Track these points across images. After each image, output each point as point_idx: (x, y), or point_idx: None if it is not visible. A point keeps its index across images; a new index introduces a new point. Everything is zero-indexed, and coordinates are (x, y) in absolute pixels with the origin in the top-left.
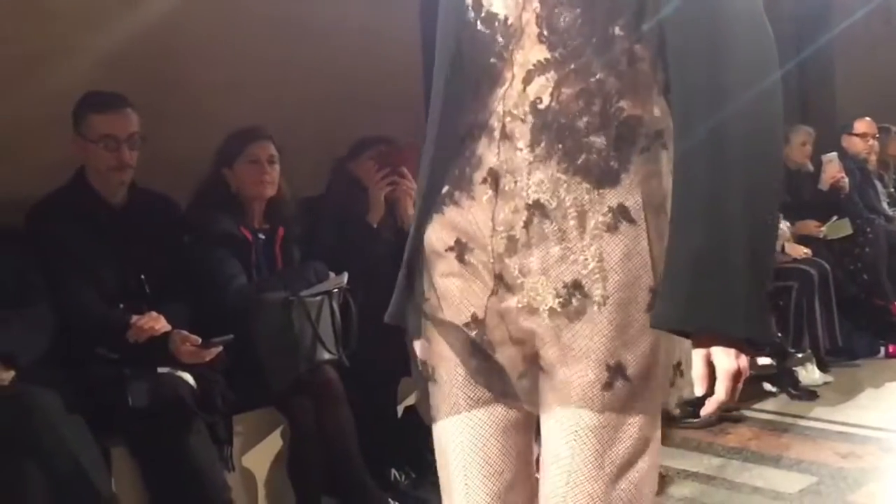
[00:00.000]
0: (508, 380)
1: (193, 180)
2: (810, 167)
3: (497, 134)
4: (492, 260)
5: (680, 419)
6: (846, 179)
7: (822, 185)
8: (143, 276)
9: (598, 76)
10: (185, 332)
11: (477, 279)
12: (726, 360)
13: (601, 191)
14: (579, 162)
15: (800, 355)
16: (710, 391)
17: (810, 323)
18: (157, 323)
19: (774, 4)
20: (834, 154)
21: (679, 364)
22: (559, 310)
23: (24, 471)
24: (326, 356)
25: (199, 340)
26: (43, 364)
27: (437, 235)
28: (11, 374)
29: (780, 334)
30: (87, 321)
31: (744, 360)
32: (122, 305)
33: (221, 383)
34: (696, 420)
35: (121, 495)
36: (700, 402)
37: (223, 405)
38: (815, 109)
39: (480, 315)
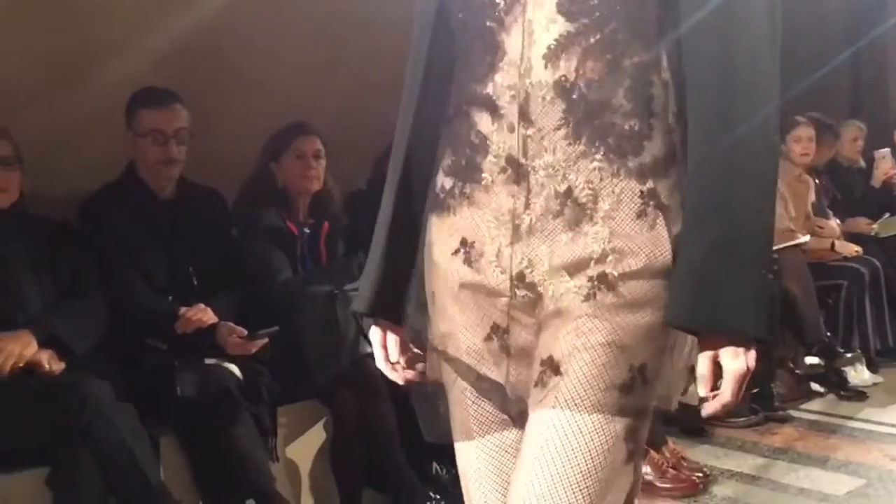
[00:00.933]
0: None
1: (241, 175)
2: (862, 163)
3: (509, 113)
4: (508, 257)
5: (724, 418)
6: None
7: (875, 181)
8: (190, 269)
9: (625, 48)
10: (232, 324)
11: (490, 284)
12: (734, 360)
13: (634, 173)
14: (611, 142)
15: (849, 355)
16: (712, 391)
17: (860, 322)
18: (205, 315)
19: None
20: (887, 150)
21: (693, 369)
22: (579, 302)
23: (76, 457)
24: (369, 350)
25: (246, 332)
26: (95, 354)
27: (438, 242)
28: (62, 366)
29: (829, 333)
30: (137, 313)
31: (751, 360)
32: (170, 297)
33: (267, 375)
34: (740, 419)
35: (168, 482)
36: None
37: (268, 396)
38: (867, 104)
39: (502, 323)
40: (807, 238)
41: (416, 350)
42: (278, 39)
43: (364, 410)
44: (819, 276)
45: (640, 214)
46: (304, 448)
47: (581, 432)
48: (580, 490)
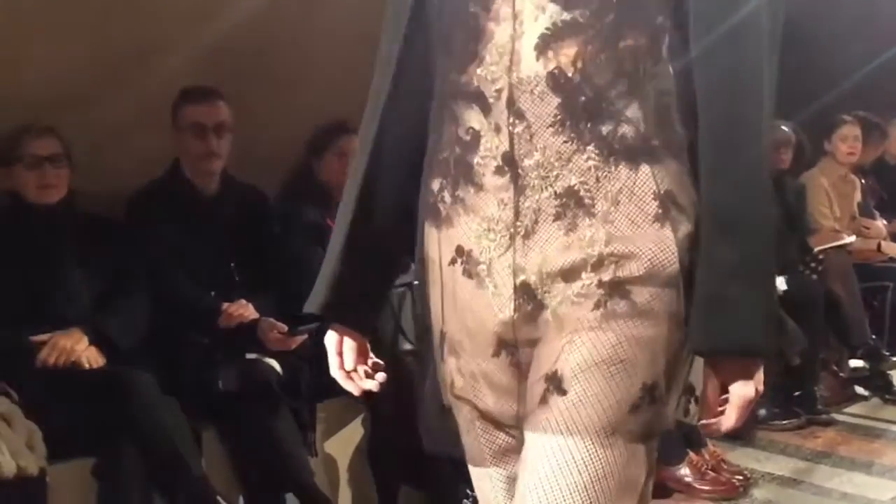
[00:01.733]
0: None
1: (283, 172)
2: None
3: (497, 108)
4: (505, 268)
5: (765, 420)
6: None
7: None
8: (232, 265)
9: (628, 39)
10: (273, 320)
11: (491, 296)
12: (744, 386)
13: (644, 174)
14: (614, 141)
15: (894, 358)
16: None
17: None
18: (246, 310)
19: None
20: None
21: (693, 389)
22: (587, 311)
23: (121, 449)
24: (407, 347)
25: (286, 328)
26: (140, 348)
27: (434, 252)
28: (101, 362)
29: (874, 336)
30: (180, 308)
31: (759, 384)
32: (213, 293)
33: (306, 370)
34: (782, 422)
35: (210, 475)
36: (784, 402)
37: (307, 392)
38: None
39: (508, 338)
40: (852, 238)
41: (376, 359)
42: (320, 38)
43: (401, 407)
44: (864, 278)
45: (654, 216)
46: (343, 443)
47: (583, 459)
48: None
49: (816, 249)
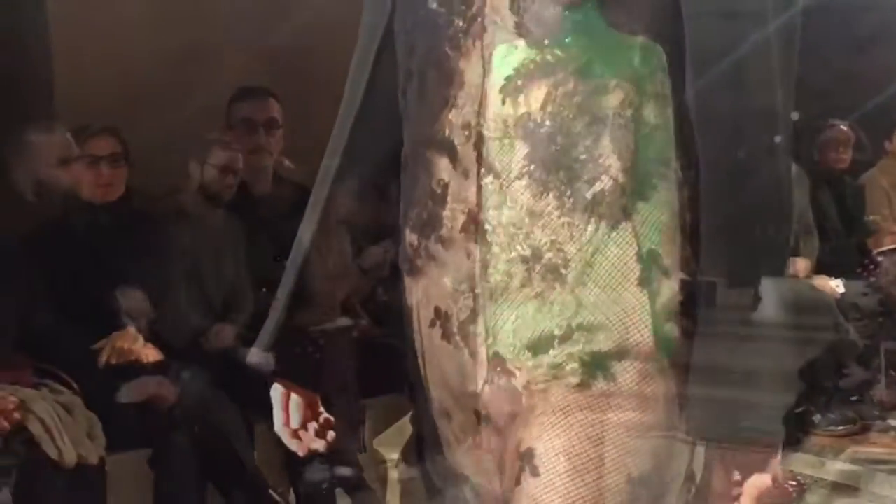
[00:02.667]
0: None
1: None
2: None
3: (465, 157)
4: (471, 334)
5: (821, 426)
6: None
7: None
8: (284, 261)
9: (606, 82)
10: None
11: (466, 364)
12: (760, 476)
13: (623, 232)
14: (588, 195)
15: None
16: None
17: None
18: None
19: None
20: None
21: (693, 476)
22: (563, 389)
23: (176, 441)
24: None
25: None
26: (195, 344)
27: (416, 308)
28: (159, 357)
29: None
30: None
31: (777, 470)
32: (264, 290)
33: (354, 368)
34: (838, 427)
35: (263, 467)
36: (840, 407)
37: (357, 388)
38: None
39: (482, 409)
40: None
41: (327, 414)
42: None
43: None
44: None
45: (633, 281)
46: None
47: None
48: None
49: (875, 251)
